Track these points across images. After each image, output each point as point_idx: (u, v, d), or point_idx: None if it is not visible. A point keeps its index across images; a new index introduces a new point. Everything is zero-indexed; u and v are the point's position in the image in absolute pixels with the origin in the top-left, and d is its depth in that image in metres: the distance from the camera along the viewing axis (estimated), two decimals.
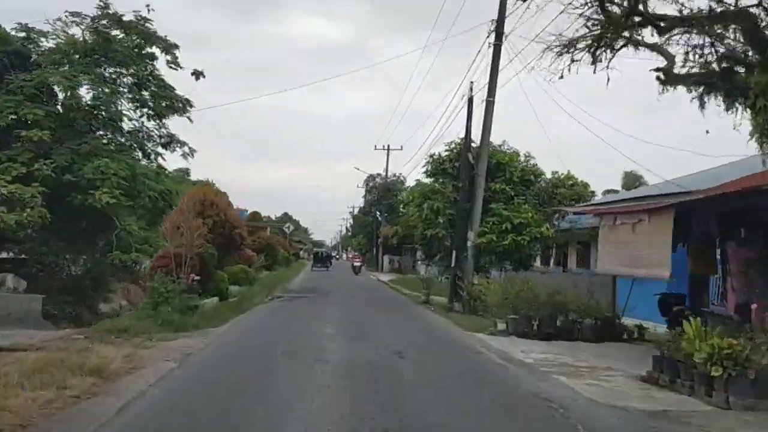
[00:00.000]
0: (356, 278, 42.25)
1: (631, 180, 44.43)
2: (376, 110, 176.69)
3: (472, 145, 21.25)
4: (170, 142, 26.95)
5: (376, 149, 59.73)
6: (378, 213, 65.53)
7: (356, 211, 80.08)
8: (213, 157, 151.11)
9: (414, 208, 22.28)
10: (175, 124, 25.01)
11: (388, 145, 59.70)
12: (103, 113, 22.36)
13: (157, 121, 26.05)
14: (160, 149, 26.08)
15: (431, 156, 22.14)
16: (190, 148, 26.92)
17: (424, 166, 22.17)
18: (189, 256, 14.96)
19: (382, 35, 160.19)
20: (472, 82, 21.55)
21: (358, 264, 50.49)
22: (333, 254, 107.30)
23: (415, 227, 22.60)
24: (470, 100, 21.32)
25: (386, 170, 62.02)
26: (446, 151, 21.87)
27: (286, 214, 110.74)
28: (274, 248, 35.63)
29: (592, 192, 35.02)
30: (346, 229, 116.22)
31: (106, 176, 19.26)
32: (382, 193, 62.94)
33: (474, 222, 20.79)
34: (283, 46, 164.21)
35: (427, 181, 22.32)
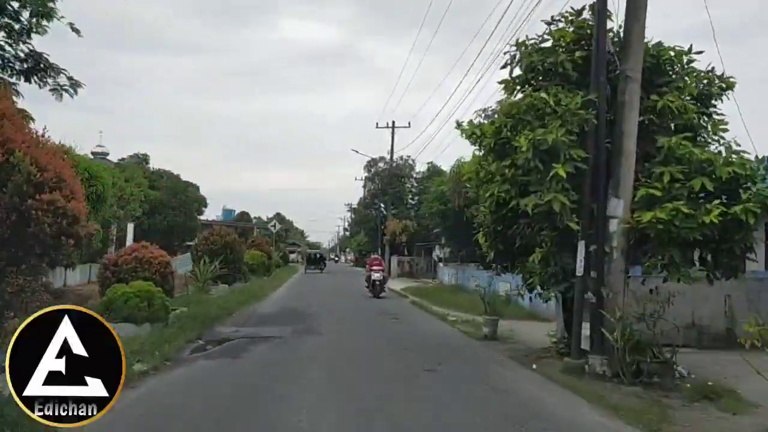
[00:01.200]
0: (363, 290, 26.69)
1: None
2: (376, 110, 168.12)
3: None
4: (36, 68, 15.77)
5: (378, 128, 48.23)
6: (383, 205, 53.60)
7: (356, 203, 67.09)
8: (210, 161, 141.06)
9: (484, 153, 10.64)
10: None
11: (393, 122, 48.35)
12: None
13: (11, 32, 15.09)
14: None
15: (521, 44, 10.49)
16: (71, 78, 15.84)
17: (503, 66, 10.46)
18: None
19: (373, 36, 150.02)
20: None
21: (379, 277, 25.14)
22: (331, 256, 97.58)
23: (480, 197, 11.25)
24: None
25: (391, 152, 49.30)
26: (547, 35, 10.40)
27: (278, 214, 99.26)
28: (234, 250, 23.78)
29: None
30: (345, 229, 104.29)
31: None
32: (388, 180, 51.00)
33: (623, 178, 9.54)
34: (276, 50, 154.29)
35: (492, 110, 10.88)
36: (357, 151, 53.85)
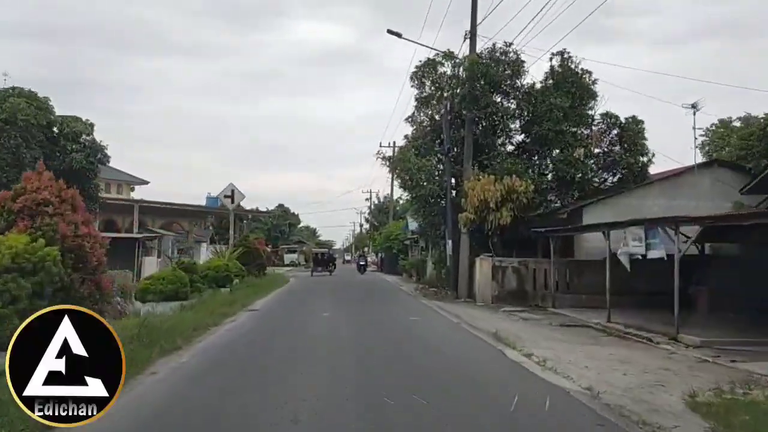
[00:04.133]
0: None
1: None
2: (389, 109, 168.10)
3: None
4: None
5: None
6: (449, 154, 22.97)
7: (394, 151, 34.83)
8: (221, 164, 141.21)
9: None
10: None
11: None
12: None
13: None
14: None
15: None
16: None
17: None
18: None
19: (383, 36, 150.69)
20: None
21: None
22: (346, 257, 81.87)
23: None
24: None
25: (472, 34, 22.70)
26: None
27: (281, 205, 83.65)
28: None
29: None
30: (366, 219, 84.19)
31: None
32: (467, 93, 21.44)
33: None
34: (285, 52, 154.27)
35: None
36: (400, 35, 23.23)
